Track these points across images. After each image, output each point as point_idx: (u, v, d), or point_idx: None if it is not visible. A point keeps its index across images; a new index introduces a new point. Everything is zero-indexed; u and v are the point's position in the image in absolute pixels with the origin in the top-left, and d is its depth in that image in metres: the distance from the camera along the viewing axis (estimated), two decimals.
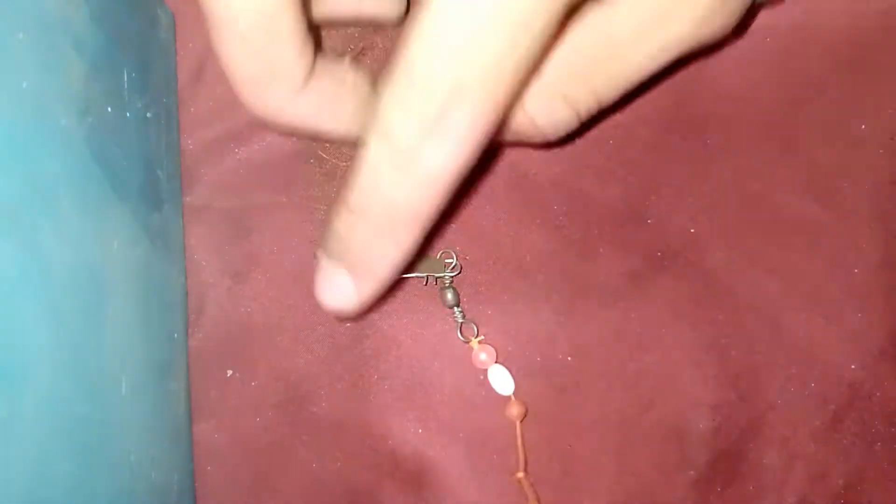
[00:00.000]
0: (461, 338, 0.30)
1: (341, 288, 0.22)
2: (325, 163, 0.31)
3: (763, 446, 0.30)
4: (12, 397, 0.18)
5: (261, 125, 0.30)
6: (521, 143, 0.25)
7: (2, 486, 0.18)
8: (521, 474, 0.29)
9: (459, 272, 0.30)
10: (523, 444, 0.29)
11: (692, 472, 0.30)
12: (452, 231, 0.31)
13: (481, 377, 0.30)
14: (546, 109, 0.22)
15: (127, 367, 0.24)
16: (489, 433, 0.30)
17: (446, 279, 0.30)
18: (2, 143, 0.18)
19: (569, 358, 0.30)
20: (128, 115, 0.25)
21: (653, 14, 0.21)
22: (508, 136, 0.23)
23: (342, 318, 0.30)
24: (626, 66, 0.22)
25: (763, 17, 0.30)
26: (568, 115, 0.22)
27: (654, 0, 0.21)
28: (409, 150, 0.18)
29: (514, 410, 0.30)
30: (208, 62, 0.30)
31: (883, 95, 0.30)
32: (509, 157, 0.31)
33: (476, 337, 0.30)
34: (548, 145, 0.30)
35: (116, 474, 0.23)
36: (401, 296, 0.30)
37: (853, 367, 0.30)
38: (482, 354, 0.30)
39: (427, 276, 0.30)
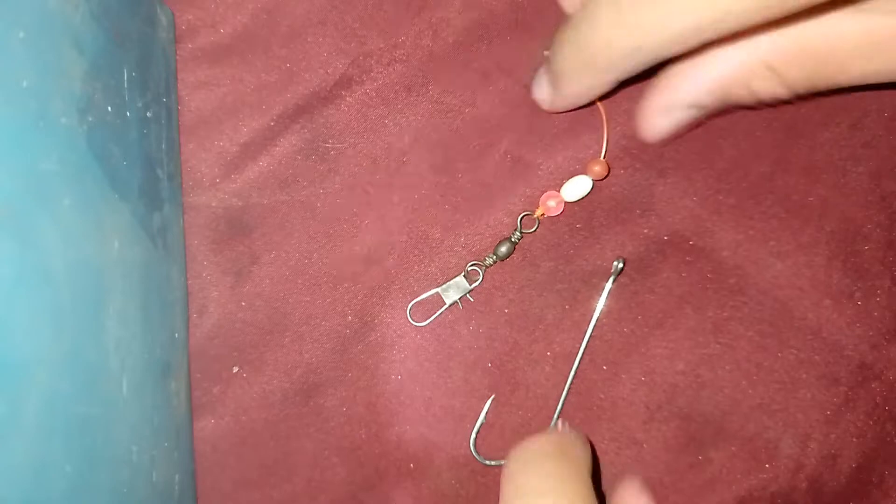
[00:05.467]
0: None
1: (542, 89, 0.29)
2: (326, 160, 0.31)
3: (774, 429, 0.30)
4: (13, 397, 0.18)
5: (265, 127, 0.30)
6: (732, 106, 0.28)
7: (2, 486, 0.18)
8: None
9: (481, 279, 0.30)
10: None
11: (701, 458, 0.30)
12: (456, 222, 0.31)
13: (489, 364, 0.30)
14: (759, 78, 0.25)
15: (127, 367, 0.24)
16: (495, 424, 0.30)
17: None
18: (2, 142, 0.18)
19: (575, 344, 0.30)
20: (128, 114, 0.25)
21: (886, 41, 0.23)
22: (724, 100, 0.26)
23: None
24: (842, 73, 0.25)
25: None
26: (779, 89, 0.26)
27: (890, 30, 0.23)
28: (631, 15, 0.22)
29: (597, 168, 0.30)
30: (208, 62, 0.30)
31: None
32: (511, 150, 0.31)
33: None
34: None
35: (117, 474, 0.23)
36: (406, 288, 0.30)
37: (863, 348, 0.30)
38: (550, 201, 0.30)
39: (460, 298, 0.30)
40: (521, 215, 0.30)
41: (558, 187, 0.30)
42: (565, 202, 0.30)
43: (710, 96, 0.26)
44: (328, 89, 0.31)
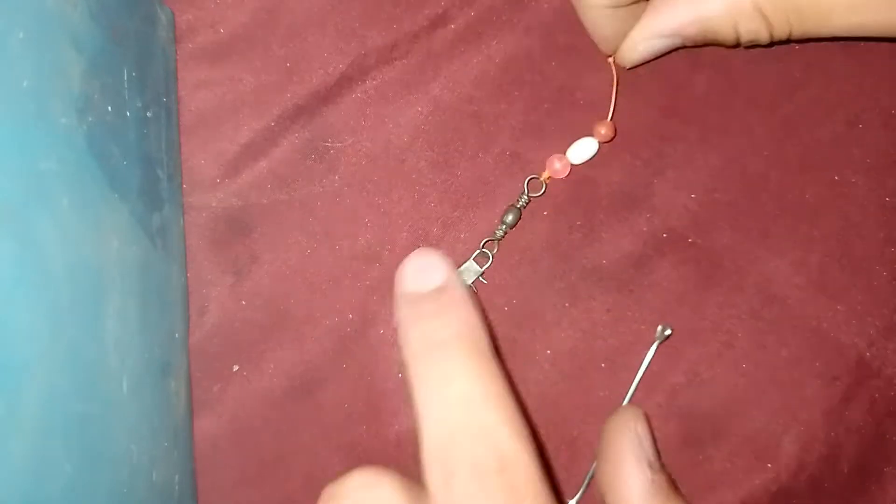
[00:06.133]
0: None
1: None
2: (326, 160, 0.31)
3: (774, 427, 0.30)
4: (12, 396, 0.18)
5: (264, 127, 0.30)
6: (712, 44, 0.28)
7: (1, 486, 0.18)
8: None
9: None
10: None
11: (701, 456, 0.30)
12: (456, 219, 0.31)
13: None
14: (746, 18, 0.26)
15: (127, 366, 0.24)
16: None
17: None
18: (1, 142, 0.18)
19: (574, 342, 0.30)
20: (127, 114, 0.25)
21: None
22: (706, 35, 0.27)
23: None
24: (825, 20, 0.25)
25: None
26: (762, 33, 0.26)
27: None
28: None
29: (603, 130, 0.30)
30: (208, 62, 0.30)
31: (881, 74, 0.31)
32: (509, 146, 0.31)
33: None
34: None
35: (117, 473, 0.23)
36: None
37: (861, 345, 0.30)
38: (557, 163, 0.30)
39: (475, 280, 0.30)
40: (528, 178, 0.30)
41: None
42: (571, 165, 0.30)
43: (694, 26, 0.27)
44: (328, 89, 0.31)
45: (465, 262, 0.30)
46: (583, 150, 0.30)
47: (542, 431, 0.30)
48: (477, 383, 0.22)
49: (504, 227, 0.30)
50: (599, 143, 0.30)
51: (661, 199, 0.31)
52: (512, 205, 0.30)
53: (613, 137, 0.30)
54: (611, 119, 0.30)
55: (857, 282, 0.30)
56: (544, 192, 0.30)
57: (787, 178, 0.31)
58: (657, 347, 0.30)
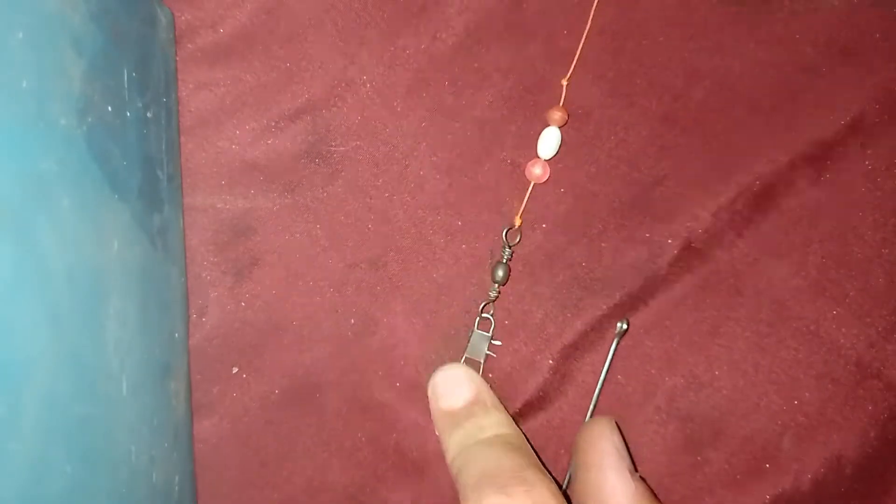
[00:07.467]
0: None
1: None
2: (328, 163, 0.31)
3: (774, 429, 0.30)
4: (12, 397, 0.18)
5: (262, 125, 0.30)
6: None
7: (2, 486, 0.18)
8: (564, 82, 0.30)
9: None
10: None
11: (700, 458, 0.30)
12: (459, 228, 0.31)
13: (489, 374, 0.30)
14: None
15: (127, 367, 0.24)
16: None
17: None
18: (1, 143, 0.18)
19: (575, 350, 0.30)
20: (128, 114, 0.25)
21: None
22: None
23: None
24: None
25: (761, 5, 0.31)
26: None
27: None
28: None
29: (558, 114, 0.30)
30: (208, 62, 0.30)
31: (881, 76, 0.31)
32: (510, 154, 0.31)
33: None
34: None
35: (117, 474, 0.23)
36: (409, 294, 0.30)
37: (860, 346, 0.30)
38: (535, 169, 0.30)
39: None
40: (505, 230, 0.30)
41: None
42: (546, 162, 0.30)
43: None
44: (328, 90, 0.31)
45: (471, 333, 0.30)
46: (549, 142, 0.30)
47: (544, 436, 0.30)
48: (513, 459, 0.26)
49: (496, 286, 0.30)
50: (559, 128, 0.30)
51: (660, 207, 0.31)
52: (498, 261, 0.30)
53: (567, 120, 0.30)
54: (562, 104, 0.30)
55: (856, 283, 0.30)
56: (520, 240, 0.30)
57: (786, 181, 0.31)
58: (618, 343, 0.30)
